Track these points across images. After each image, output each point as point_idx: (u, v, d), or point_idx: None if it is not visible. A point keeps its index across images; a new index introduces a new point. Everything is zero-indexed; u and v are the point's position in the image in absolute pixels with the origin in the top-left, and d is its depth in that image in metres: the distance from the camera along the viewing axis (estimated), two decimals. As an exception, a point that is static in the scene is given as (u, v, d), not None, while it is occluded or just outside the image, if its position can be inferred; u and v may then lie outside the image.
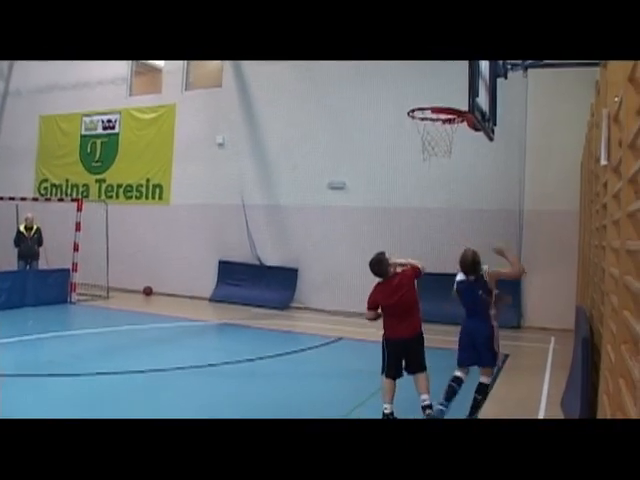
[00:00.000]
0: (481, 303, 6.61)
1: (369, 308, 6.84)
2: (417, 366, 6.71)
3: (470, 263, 6.62)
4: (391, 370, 6.61)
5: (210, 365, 9.18)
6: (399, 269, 6.78)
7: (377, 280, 6.90)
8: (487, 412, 7.19)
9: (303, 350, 10.50)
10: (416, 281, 6.88)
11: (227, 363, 9.35)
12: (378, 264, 6.74)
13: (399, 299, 6.63)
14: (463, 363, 6.76)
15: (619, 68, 4.06)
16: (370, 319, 6.86)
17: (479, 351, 6.60)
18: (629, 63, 3.33)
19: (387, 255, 6.79)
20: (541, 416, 7.06)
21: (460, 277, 6.80)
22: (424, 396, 6.58)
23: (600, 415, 4.41)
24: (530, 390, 8.35)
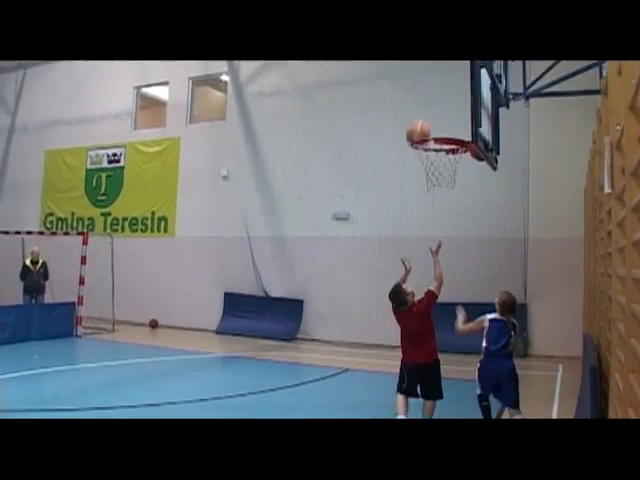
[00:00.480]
0: (509, 345, 7.09)
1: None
2: (432, 392, 6.98)
3: (512, 305, 7.26)
4: (405, 390, 6.86)
5: (215, 398, 9.12)
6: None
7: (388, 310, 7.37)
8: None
9: (309, 382, 10.43)
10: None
11: (230, 397, 9.28)
12: (397, 294, 7.17)
13: (417, 327, 7.10)
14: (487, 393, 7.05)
15: (620, 97, 4.08)
16: None
17: (502, 390, 6.97)
18: (629, 92, 3.35)
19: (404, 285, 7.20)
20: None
21: (494, 315, 7.03)
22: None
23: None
24: (539, 417, 8.26)
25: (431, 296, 7.18)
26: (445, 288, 14.93)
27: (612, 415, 4.35)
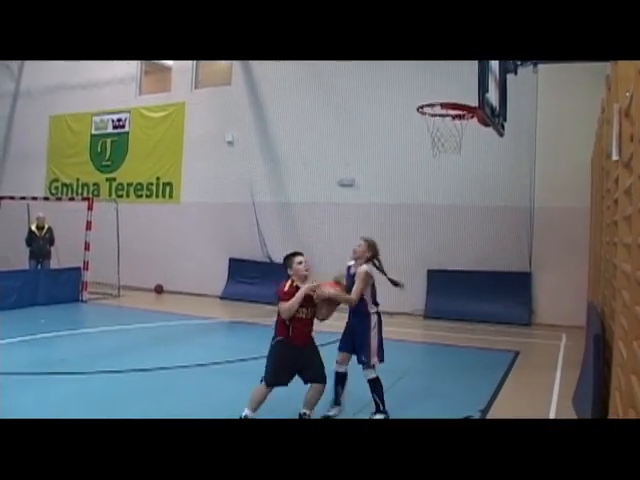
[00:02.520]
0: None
1: None
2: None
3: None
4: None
5: (215, 363, 9.21)
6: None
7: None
8: (498, 409, 7.18)
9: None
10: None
11: (242, 360, 9.38)
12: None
13: None
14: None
15: (630, 63, 4.03)
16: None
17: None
18: (640, 57, 3.30)
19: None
20: (552, 412, 7.04)
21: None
22: None
23: (612, 412, 4.39)
24: (541, 387, 8.32)
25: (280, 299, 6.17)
26: (451, 256, 15.05)
27: (615, 382, 4.37)
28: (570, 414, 6.74)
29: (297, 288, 6.05)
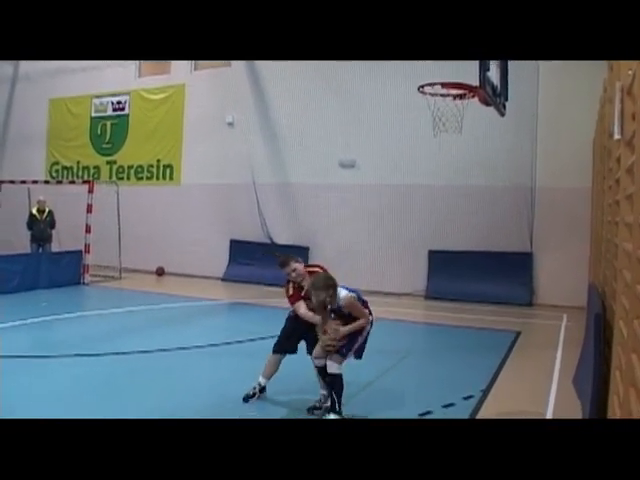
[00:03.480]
0: None
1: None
2: None
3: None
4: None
5: (225, 344, 9.25)
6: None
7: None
8: (499, 389, 7.21)
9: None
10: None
11: (240, 342, 9.42)
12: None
13: None
14: None
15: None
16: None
17: None
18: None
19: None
20: (553, 392, 7.07)
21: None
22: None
23: (613, 390, 4.39)
24: (542, 367, 8.35)
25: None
26: (452, 237, 15.06)
27: (615, 361, 4.37)
28: (571, 394, 6.75)
29: (300, 288, 6.16)
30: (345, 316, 5.85)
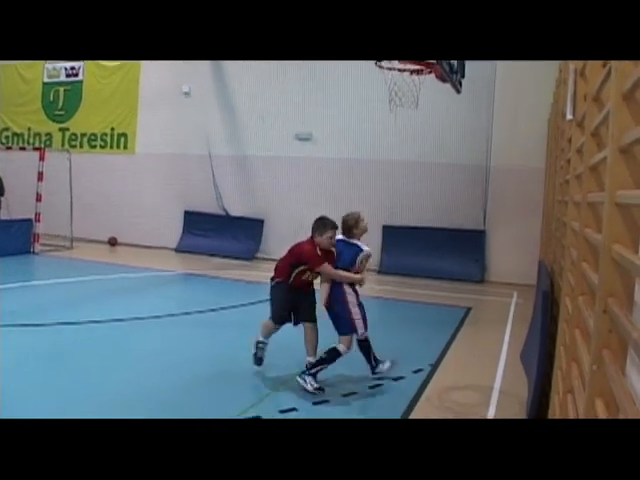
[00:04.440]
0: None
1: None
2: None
3: (348, 225, 6.34)
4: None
5: (170, 315, 9.21)
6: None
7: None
8: (448, 363, 7.33)
9: (267, 300, 10.53)
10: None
11: (188, 313, 9.38)
12: (317, 221, 6.41)
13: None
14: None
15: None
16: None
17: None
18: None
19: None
20: (501, 367, 7.22)
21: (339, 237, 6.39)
22: None
23: (557, 365, 4.50)
24: (492, 342, 8.51)
25: (316, 264, 6.21)
26: (406, 212, 15.16)
27: (560, 337, 4.47)
28: (518, 368, 6.91)
29: (325, 253, 6.29)
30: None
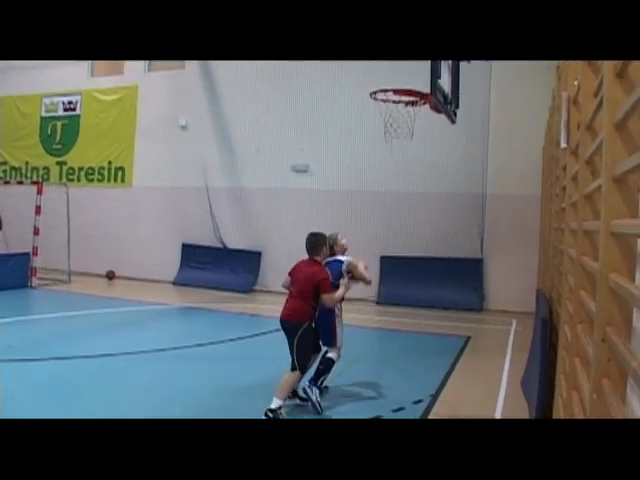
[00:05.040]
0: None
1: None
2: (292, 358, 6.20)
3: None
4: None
5: (174, 348, 9.16)
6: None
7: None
8: (449, 393, 7.28)
9: (268, 332, 10.49)
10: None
11: (188, 347, 9.33)
12: (320, 239, 6.58)
13: (302, 282, 6.29)
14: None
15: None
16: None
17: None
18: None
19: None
20: (502, 395, 7.17)
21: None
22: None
23: (557, 393, 4.48)
24: (492, 370, 8.47)
25: (328, 289, 6.18)
26: (404, 242, 15.17)
27: (560, 365, 4.46)
28: (519, 396, 6.87)
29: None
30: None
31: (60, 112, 20.03)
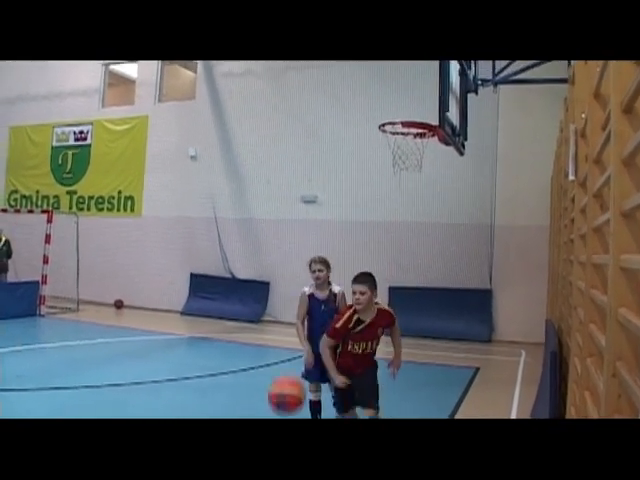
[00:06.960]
0: None
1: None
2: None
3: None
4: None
5: (185, 378, 9.12)
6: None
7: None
8: (458, 425, 7.21)
9: (279, 362, 10.45)
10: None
11: (200, 377, 9.29)
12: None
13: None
14: None
15: (585, 85, 4.12)
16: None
17: None
18: (594, 80, 3.38)
19: None
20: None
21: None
22: None
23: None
24: (501, 402, 8.39)
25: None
26: (412, 273, 15.13)
27: (570, 398, 4.43)
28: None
29: (358, 322, 5.73)
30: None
31: (71, 142, 20.23)
